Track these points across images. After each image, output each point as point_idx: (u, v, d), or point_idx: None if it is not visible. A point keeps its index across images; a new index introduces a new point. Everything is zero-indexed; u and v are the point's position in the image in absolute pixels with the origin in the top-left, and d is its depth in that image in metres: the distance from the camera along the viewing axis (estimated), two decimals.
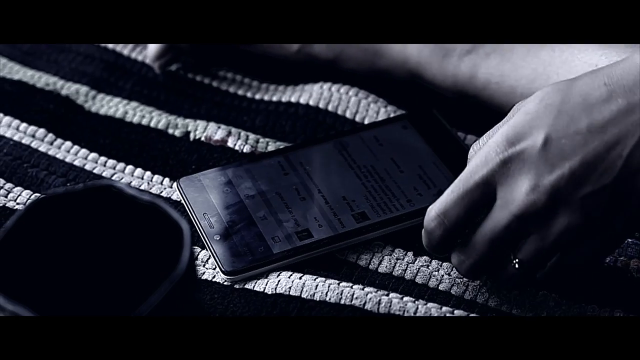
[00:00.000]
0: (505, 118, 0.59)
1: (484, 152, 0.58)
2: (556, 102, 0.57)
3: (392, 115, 0.75)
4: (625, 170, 0.55)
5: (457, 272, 0.64)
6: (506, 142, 0.57)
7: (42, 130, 0.75)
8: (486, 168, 0.58)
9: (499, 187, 0.57)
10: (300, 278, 0.63)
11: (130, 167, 0.72)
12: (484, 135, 0.60)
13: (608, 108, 0.56)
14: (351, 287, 0.62)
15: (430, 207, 0.60)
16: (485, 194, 0.58)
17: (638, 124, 0.55)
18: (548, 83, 0.68)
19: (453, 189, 0.59)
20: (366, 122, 0.75)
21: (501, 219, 0.57)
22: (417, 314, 0.60)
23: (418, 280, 0.64)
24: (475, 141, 0.61)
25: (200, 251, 0.66)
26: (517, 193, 0.56)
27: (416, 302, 0.61)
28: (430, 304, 0.61)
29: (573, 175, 0.55)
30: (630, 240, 0.66)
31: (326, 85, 0.77)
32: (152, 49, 0.79)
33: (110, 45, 0.82)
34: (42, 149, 0.73)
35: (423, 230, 0.60)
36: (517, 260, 0.58)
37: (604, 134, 0.55)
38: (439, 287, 0.63)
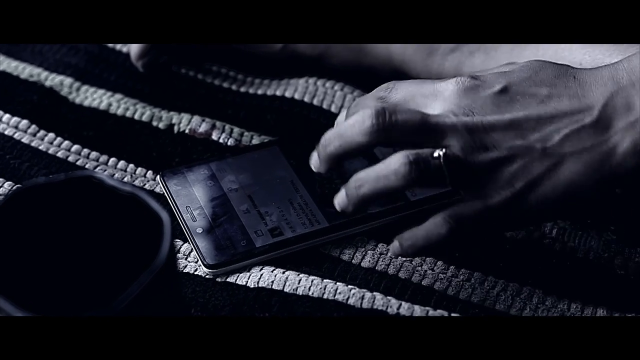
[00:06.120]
0: None
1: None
2: (531, 69, 0.60)
3: None
4: (557, 151, 0.58)
5: (440, 267, 0.64)
6: (470, 76, 0.60)
7: (25, 122, 0.74)
8: (442, 82, 0.60)
9: (440, 97, 0.60)
10: (283, 273, 0.63)
11: (113, 160, 0.72)
12: None
13: (568, 92, 0.59)
14: (335, 282, 0.62)
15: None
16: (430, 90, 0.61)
17: (584, 120, 0.58)
18: None
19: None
20: None
21: (426, 115, 0.59)
22: (400, 310, 0.60)
23: (401, 275, 0.64)
24: None
25: (182, 244, 0.66)
26: (455, 110, 0.59)
27: (399, 297, 0.61)
28: (412, 300, 0.61)
29: (511, 124, 0.58)
30: (613, 237, 0.66)
31: (311, 80, 0.77)
32: (135, 48, 0.78)
33: None
34: (25, 140, 0.73)
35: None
36: (444, 149, 0.58)
37: (554, 108, 0.58)
38: (422, 283, 0.63)
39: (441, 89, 0.60)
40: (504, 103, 0.59)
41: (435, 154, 0.58)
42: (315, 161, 0.62)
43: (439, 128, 0.58)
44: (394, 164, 0.58)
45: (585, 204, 0.58)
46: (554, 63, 0.61)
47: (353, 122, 0.60)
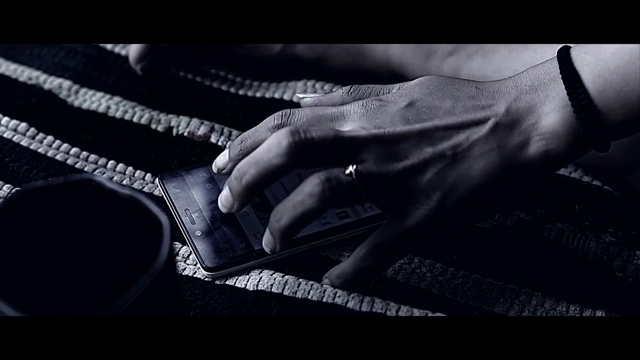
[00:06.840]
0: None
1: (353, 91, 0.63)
2: (431, 85, 0.61)
3: None
4: (467, 155, 0.59)
5: (438, 270, 0.64)
6: (376, 98, 0.61)
7: (24, 125, 0.74)
8: (347, 105, 0.61)
9: (349, 119, 0.60)
10: (282, 276, 0.63)
11: (112, 162, 0.72)
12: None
13: (472, 102, 0.60)
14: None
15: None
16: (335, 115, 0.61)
17: (490, 126, 0.59)
18: None
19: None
20: None
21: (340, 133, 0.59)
22: (399, 313, 0.60)
23: (399, 278, 0.64)
24: None
25: (181, 247, 0.66)
26: (366, 126, 0.59)
27: (398, 300, 0.61)
28: (411, 303, 0.61)
29: (421, 133, 0.59)
30: (612, 239, 0.66)
31: (310, 82, 0.77)
32: (134, 51, 0.78)
33: None
34: (24, 143, 0.73)
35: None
36: (356, 165, 0.58)
37: (461, 117, 0.60)
38: (421, 286, 0.63)
39: (347, 111, 0.61)
40: (411, 116, 0.60)
41: (347, 171, 0.58)
42: (227, 200, 0.61)
43: (353, 142, 0.58)
44: (307, 187, 0.58)
45: (499, 201, 0.60)
46: (451, 77, 0.62)
47: (268, 145, 0.58)
